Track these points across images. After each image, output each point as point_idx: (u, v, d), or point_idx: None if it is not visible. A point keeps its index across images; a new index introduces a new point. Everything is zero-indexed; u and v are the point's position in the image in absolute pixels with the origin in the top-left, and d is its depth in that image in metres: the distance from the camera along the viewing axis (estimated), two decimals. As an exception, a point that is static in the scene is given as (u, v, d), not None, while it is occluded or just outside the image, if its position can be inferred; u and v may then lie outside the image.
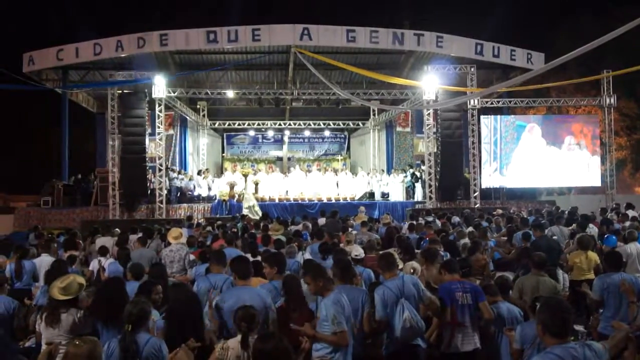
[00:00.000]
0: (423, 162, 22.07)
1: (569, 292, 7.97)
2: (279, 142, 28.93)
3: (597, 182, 22.28)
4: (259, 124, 27.50)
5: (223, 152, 28.59)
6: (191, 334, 4.48)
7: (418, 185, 22.66)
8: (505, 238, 11.06)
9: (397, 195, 23.06)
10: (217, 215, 19.42)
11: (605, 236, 10.63)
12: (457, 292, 5.51)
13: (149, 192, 20.39)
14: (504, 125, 21.77)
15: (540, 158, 21.65)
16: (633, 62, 18.72)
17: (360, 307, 5.20)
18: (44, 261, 8.67)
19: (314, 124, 27.55)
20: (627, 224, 11.59)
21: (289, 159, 28.54)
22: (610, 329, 5.48)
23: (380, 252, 6.12)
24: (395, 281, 5.34)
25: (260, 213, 18.32)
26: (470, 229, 11.57)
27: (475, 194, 20.72)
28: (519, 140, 21.72)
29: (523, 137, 21.74)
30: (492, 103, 22.53)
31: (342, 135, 29.26)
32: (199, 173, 23.81)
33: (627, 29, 9.52)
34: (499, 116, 22.20)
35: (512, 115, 23.02)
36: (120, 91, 20.37)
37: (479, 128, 21.16)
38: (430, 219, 14.12)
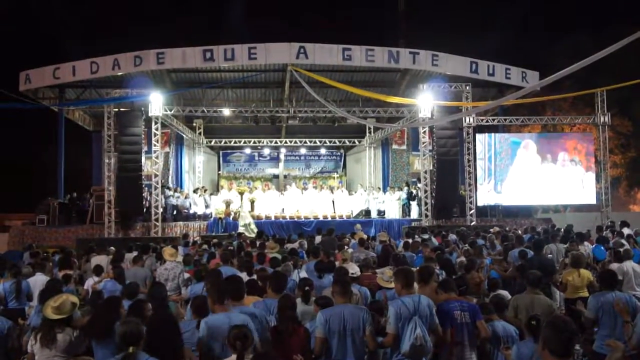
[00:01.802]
0: (419, 180, 22.12)
1: (564, 310, 7.95)
2: (275, 159, 28.96)
3: (592, 200, 22.33)
4: (255, 142, 27.52)
5: (219, 170, 28.60)
6: (169, 356, 4.44)
7: (414, 203, 22.69)
8: (502, 257, 11.06)
9: (393, 212, 23.06)
10: (213, 233, 19.39)
11: (594, 246, 10.65)
12: (455, 311, 5.50)
13: (144, 210, 20.35)
14: (498, 141, 21.86)
15: (536, 174, 21.70)
16: (627, 80, 18.89)
17: (361, 325, 5.20)
18: (38, 280, 8.63)
19: (310, 141, 27.60)
20: (623, 241, 11.59)
21: (285, 176, 28.55)
22: (605, 348, 5.48)
23: (399, 268, 6.06)
24: (412, 298, 5.31)
25: (256, 231, 18.30)
26: (466, 246, 11.59)
27: (471, 211, 20.74)
28: (515, 157, 21.80)
29: (518, 153, 21.82)
30: (487, 121, 22.64)
31: (338, 153, 29.31)
32: (195, 191, 23.77)
33: (620, 46, 9.59)
34: (493, 134, 22.29)
35: (507, 133, 23.06)
36: (116, 109, 20.41)
37: (475, 146, 21.24)
38: (426, 236, 14.12)
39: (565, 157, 21.90)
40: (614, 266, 8.46)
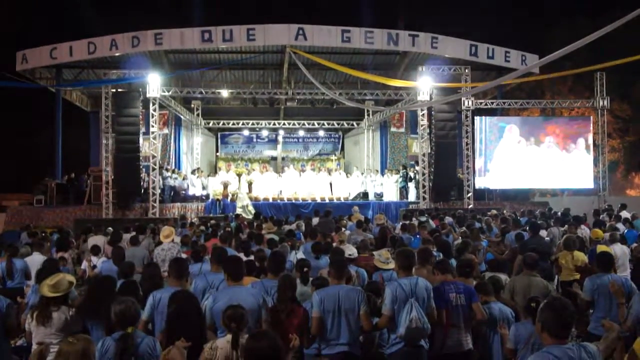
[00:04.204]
0: (417, 163, 22.11)
1: (559, 293, 7.99)
2: (273, 141, 28.91)
3: (586, 184, 22.33)
4: (253, 124, 27.47)
5: (217, 151, 28.58)
6: (193, 333, 4.48)
7: (411, 186, 22.68)
8: (499, 239, 11.11)
9: (391, 195, 23.08)
10: (211, 215, 19.39)
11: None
12: (450, 293, 5.49)
13: (142, 191, 20.33)
14: (488, 124, 21.83)
15: (521, 157, 21.79)
16: (627, 65, 18.83)
17: (355, 306, 5.21)
18: (35, 260, 8.65)
19: (308, 123, 27.52)
20: (618, 225, 11.63)
21: (283, 158, 28.53)
22: (601, 329, 5.51)
23: (400, 249, 6.04)
24: (409, 280, 5.33)
25: (253, 212, 18.31)
26: (463, 229, 11.62)
27: (469, 194, 20.76)
28: (501, 139, 21.80)
29: (505, 136, 21.84)
30: (486, 104, 22.58)
31: (336, 135, 29.25)
32: (192, 172, 23.78)
33: (617, 25, 9.57)
34: (484, 117, 22.16)
35: (495, 117, 22.83)
36: (114, 90, 20.30)
37: (473, 129, 21.21)
38: (423, 219, 14.14)
39: (550, 140, 21.94)
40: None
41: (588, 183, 22.38)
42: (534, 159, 21.79)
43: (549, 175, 21.89)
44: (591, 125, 22.62)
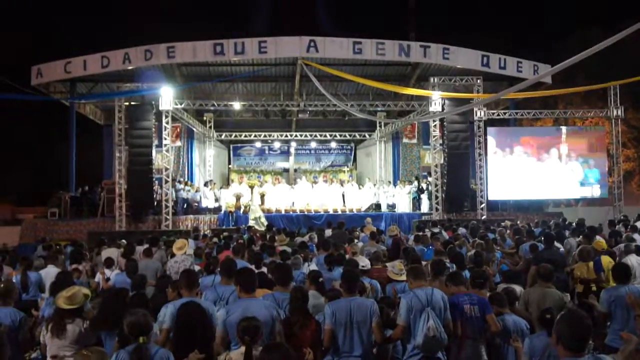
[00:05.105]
0: (429, 174, 22.03)
1: (575, 304, 7.91)
2: (285, 153, 28.94)
3: (570, 192, 22.40)
4: (265, 136, 27.53)
5: (229, 163, 28.64)
6: (200, 346, 4.47)
7: (424, 197, 22.62)
8: (514, 251, 11.02)
9: (404, 206, 23.01)
10: (224, 227, 19.42)
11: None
12: (464, 305, 5.47)
13: (155, 203, 20.43)
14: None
15: (499, 168, 21.72)
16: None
17: (368, 318, 5.19)
18: (50, 272, 8.69)
19: (320, 135, 27.56)
20: (635, 235, 11.48)
21: (295, 170, 28.53)
22: (618, 342, 5.43)
23: (411, 266, 6.04)
24: (424, 291, 5.32)
25: (266, 224, 18.32)
26: (477, 240, 11.53)
27: (482, 205, 20.66)
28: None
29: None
30: (498, 115, 22.48)
31: (349, 147, 29.25)
32: (205, 184, 23.85)
33: (628, 33, 9.55)
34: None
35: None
36: (127, 103, 20.47)
37: (486, 140, 21.13)
38: (436, 230, 14.07)
39: (520, 150, 21.91)
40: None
41: (575, 193, 22.47)
42: (510, 170, 21.74)
43: (532, 185, 21.87)
44: (563, 136, 22.39)
